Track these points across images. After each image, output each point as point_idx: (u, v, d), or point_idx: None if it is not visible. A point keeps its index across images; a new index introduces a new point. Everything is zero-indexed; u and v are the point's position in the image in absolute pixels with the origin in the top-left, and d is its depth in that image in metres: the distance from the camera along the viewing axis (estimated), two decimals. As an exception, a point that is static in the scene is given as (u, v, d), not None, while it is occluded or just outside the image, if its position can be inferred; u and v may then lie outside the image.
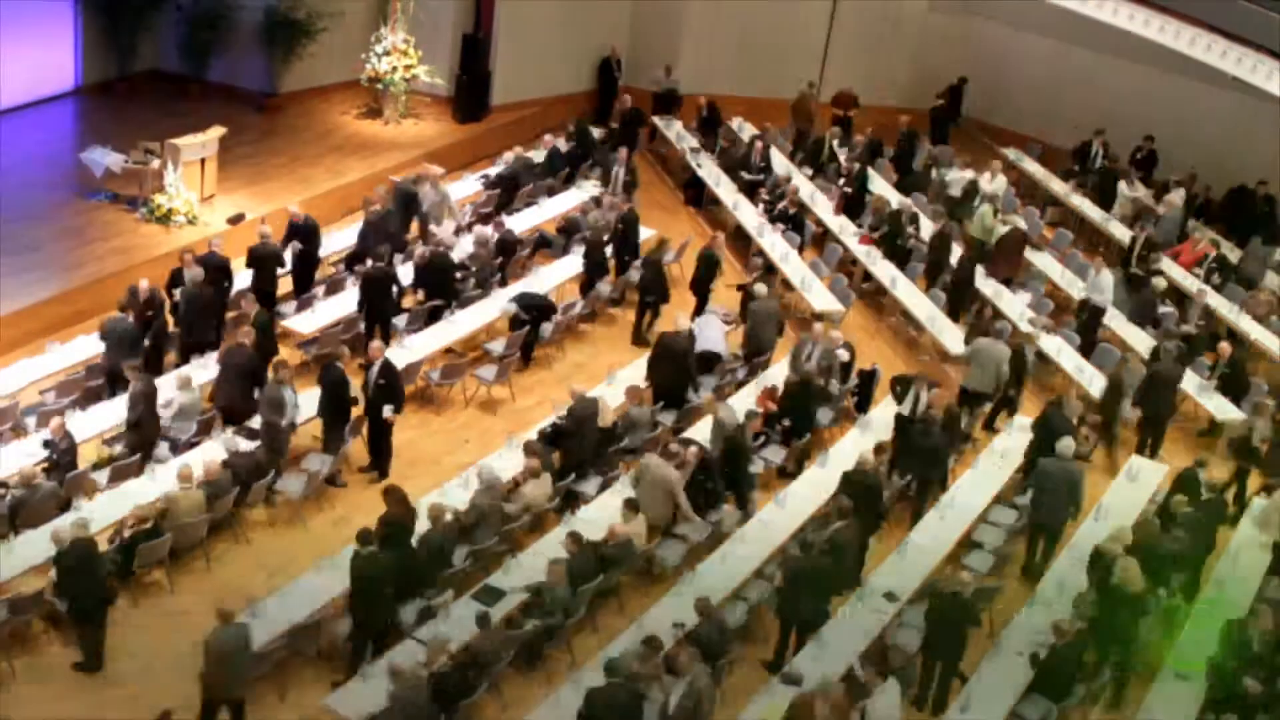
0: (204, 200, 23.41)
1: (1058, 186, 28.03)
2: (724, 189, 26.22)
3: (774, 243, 24.08)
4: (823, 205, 25.89)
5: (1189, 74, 27.12)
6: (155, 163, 23.13)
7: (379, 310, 20.13)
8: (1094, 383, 20.80)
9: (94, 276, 21.09)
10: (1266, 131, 26.91)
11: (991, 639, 15.81)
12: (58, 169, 24.14)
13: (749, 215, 25.12)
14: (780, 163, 27.35)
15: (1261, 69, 23.73)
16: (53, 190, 23.56)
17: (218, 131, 23.75)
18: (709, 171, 26.76)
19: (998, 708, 14.42)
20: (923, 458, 18.12)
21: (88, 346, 19.11)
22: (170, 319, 19.41)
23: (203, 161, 23.43)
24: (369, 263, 20.80)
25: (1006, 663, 14.99)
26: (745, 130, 29.02)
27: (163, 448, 17.24)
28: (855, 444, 18.78)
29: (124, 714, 13.97)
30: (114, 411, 17.60)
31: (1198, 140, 28.23)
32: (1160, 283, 23.50)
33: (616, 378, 19.63)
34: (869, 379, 20.63)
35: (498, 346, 20.53)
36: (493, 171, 25.69)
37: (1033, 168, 28.79)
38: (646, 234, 23.64)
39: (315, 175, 25.22)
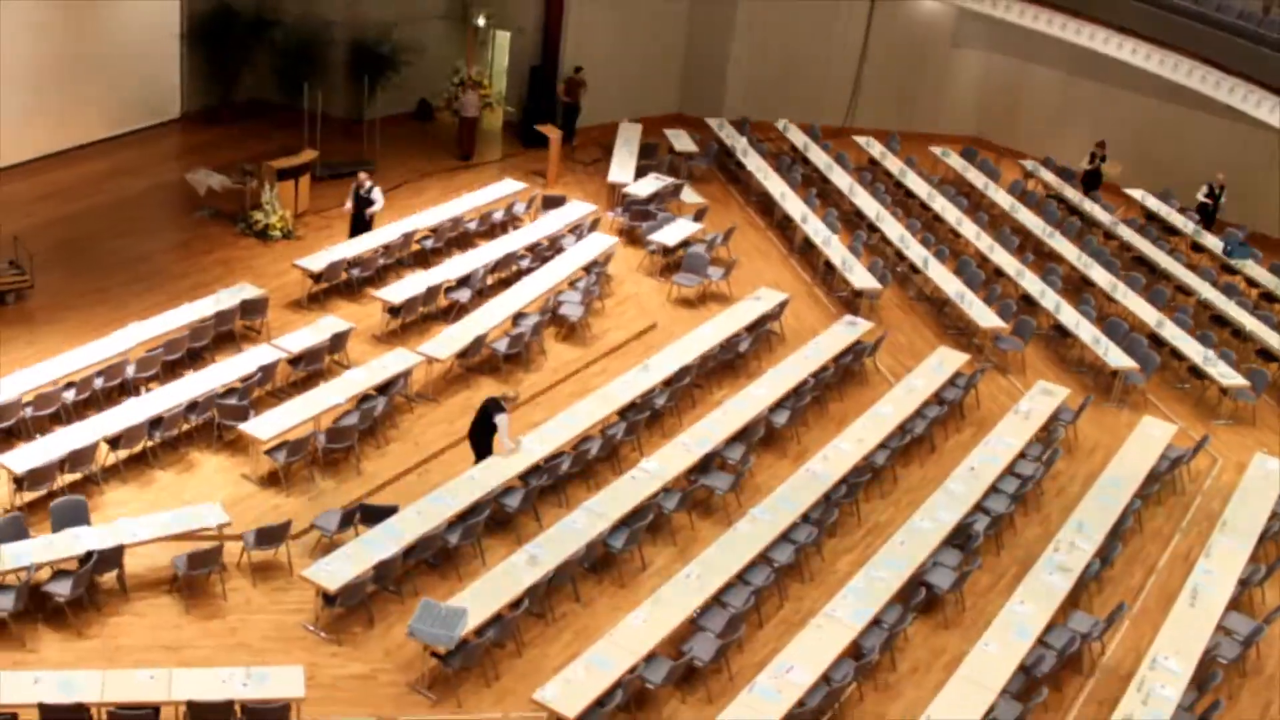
0: (297, 216, 23.87)
1: (1070, 194, 28.33)
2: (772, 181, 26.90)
3: (816, 228, 24.70)
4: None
5: (1185, 103, 27.08)
6: (253, 182, 23.59)
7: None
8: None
9: (198, 284, 21.42)
10: (1258, 156, 26.85)
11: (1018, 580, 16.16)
12: (166, 188, 24.68)
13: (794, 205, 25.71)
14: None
15: (1251, 98, 23.68)
16: (161, 208, 24.11)
17: (310, 154, 24.18)
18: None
19: (1027, 634, 14.76)
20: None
21: (190, 312, 19.40)
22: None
23: (296, 181, 23.89)
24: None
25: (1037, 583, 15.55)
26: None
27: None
28: (877, 425, 19.03)
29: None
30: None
31: (1194, 163, 28.17)
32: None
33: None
34: None
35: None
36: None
37: (1049, 176, 29.11)
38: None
39: (398, 193, 25.53)
